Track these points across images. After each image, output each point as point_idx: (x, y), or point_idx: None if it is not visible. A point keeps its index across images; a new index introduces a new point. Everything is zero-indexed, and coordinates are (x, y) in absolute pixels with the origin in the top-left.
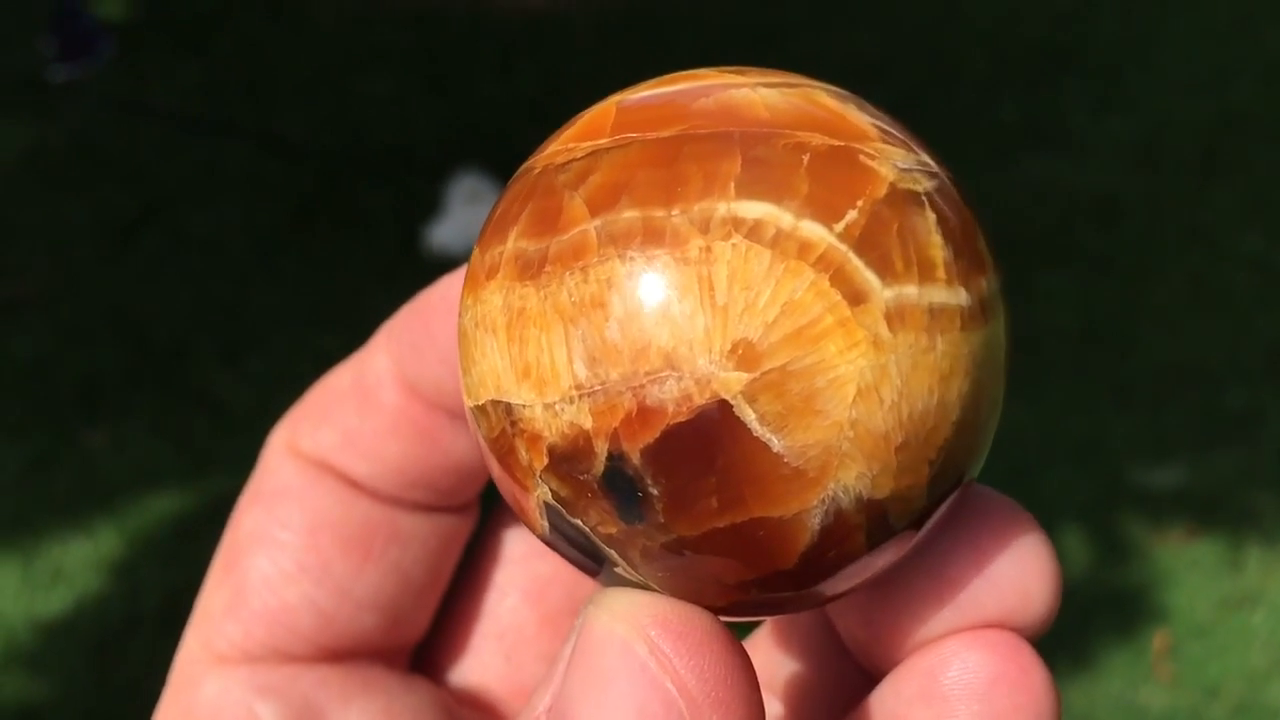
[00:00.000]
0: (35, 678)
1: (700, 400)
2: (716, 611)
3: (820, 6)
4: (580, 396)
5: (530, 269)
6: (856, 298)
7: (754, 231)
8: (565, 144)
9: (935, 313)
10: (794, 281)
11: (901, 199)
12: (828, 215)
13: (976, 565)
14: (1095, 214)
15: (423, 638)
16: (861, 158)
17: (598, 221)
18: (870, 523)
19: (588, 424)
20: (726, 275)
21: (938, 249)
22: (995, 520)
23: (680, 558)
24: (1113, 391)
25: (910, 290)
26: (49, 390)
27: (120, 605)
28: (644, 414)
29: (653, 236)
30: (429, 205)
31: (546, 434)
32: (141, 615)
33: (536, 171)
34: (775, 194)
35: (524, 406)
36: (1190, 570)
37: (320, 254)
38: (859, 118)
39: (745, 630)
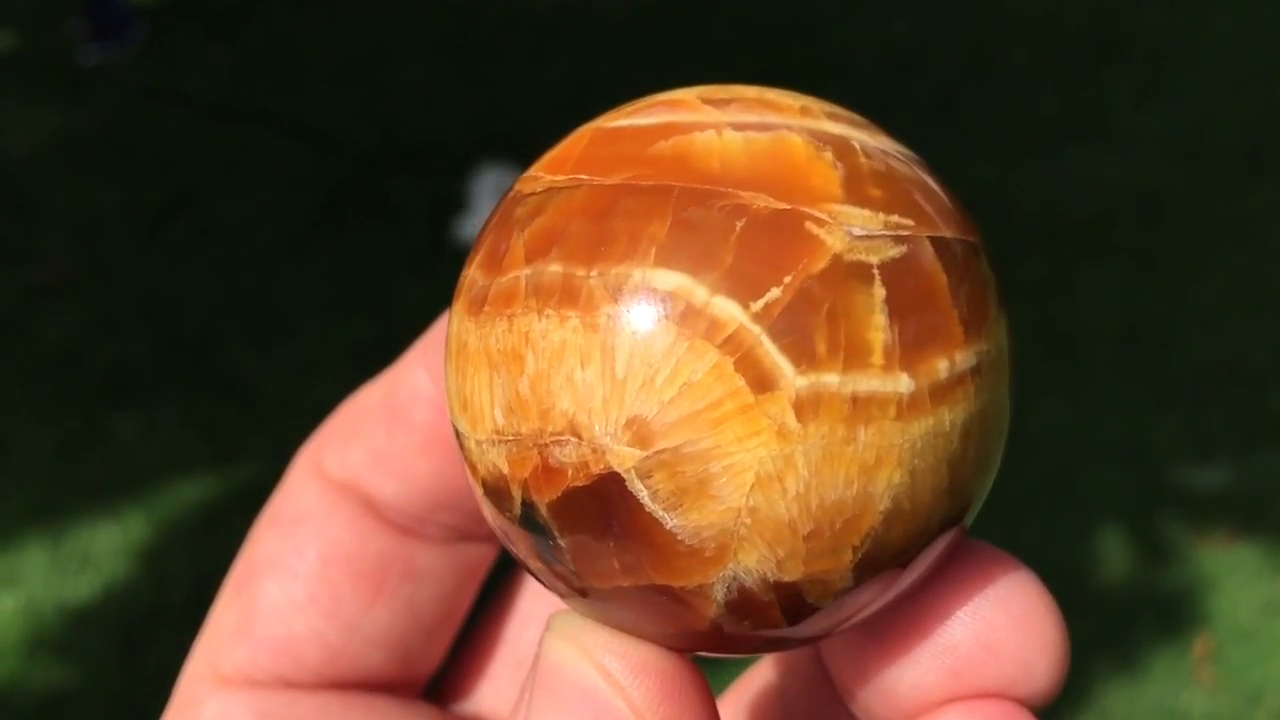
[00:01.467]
0: (63, 664)
1: (596, 469)
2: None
3: (852, 3)
4: (499, 442)
5: (475, 304)
6: (762, 384)
7: (664, 304)
8: (537, 171)
9: (860, 402)
10: (696, 362)
11: (843, 273)
12: (747, 292)
13: (977, 633)
14: (1137, 208)
15: (435, 673)
16: (807, 224)
17: (529, 270)
18: (784, 601)
19: (504, 469)
20: (628, 348)
21: (878, 331)
22: (998, 585)
23: (601, 604)
24: (1155, 390)
25: (830, 379)
26: (79, 376)
27: (148, 592)
28: (548, 472)
29: (569, 296)
30: (458, 197)
31: (479, 467)
32: (169, 603)
33: (510, 197)
34: (693, 265)
35: (465, 436)
36: (1233, 573)
37: (350, 244)
38: (828, 172)
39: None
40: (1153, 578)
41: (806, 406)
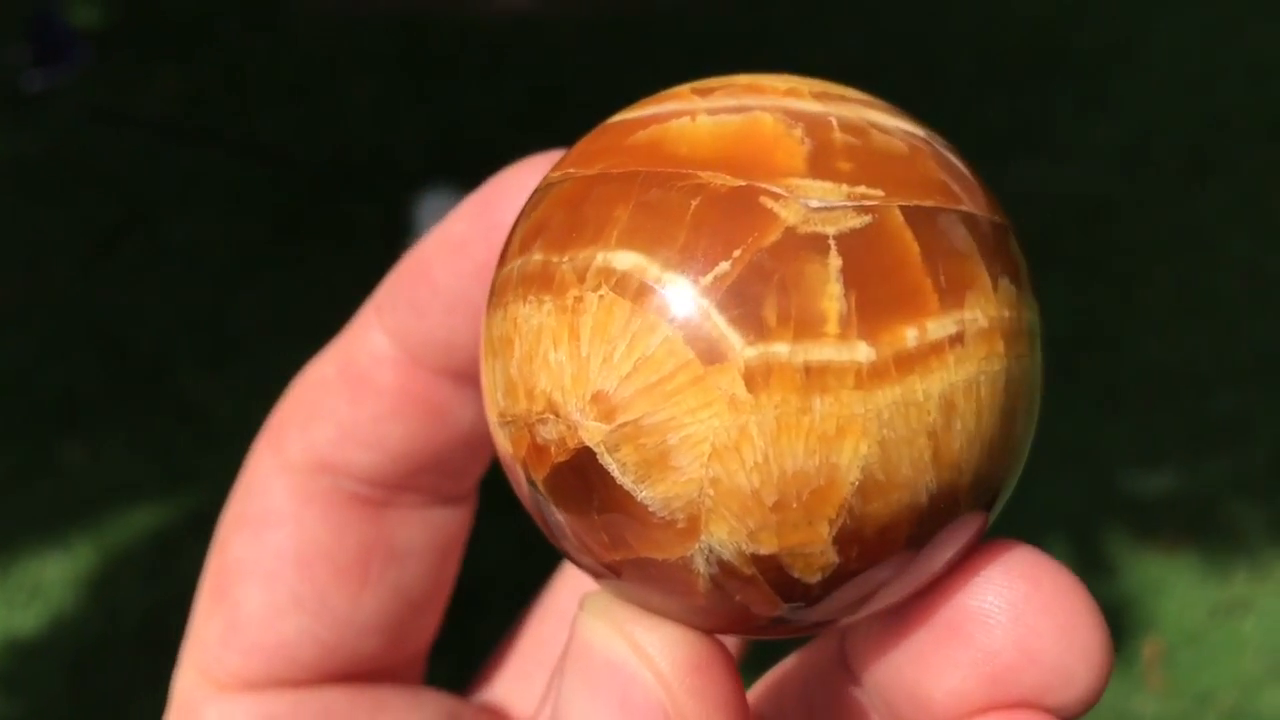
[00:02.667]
0: (10, 698)
1: (572, 444)
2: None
3: (805, 10)
4: (504, 423)
5: (489, 297)
6: (712, 356)
7: (620, 283)
8: (550, 168)
9: (814, 371)
10: (649, 337)
11: (796, 245)
12: (697, 267)
13: (1019, 640)
14: (1083, 217)
15: (431, 644)
16: (762, 199)
17: (519, 260)
18: (769, 575)
19: (509, 449)
20: (590, 327)
21: (832, 300)
22: (1042, 589)
23: (625, 584)
24: (1101, 396)
25: (779, 348)
26: (26, 403)
27: (98, 623)
28: (537, 449)
29: (545, 282)
30: (411, 216)
31: (498, 448)
32: (120, 632)
33: (537, 189)
34: (649, 244)
35: (488, 420)
36: (1180, 577)
37: (303, 264)
38: (794, 149)
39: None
40: (1100, 583)
41: (757, 377)
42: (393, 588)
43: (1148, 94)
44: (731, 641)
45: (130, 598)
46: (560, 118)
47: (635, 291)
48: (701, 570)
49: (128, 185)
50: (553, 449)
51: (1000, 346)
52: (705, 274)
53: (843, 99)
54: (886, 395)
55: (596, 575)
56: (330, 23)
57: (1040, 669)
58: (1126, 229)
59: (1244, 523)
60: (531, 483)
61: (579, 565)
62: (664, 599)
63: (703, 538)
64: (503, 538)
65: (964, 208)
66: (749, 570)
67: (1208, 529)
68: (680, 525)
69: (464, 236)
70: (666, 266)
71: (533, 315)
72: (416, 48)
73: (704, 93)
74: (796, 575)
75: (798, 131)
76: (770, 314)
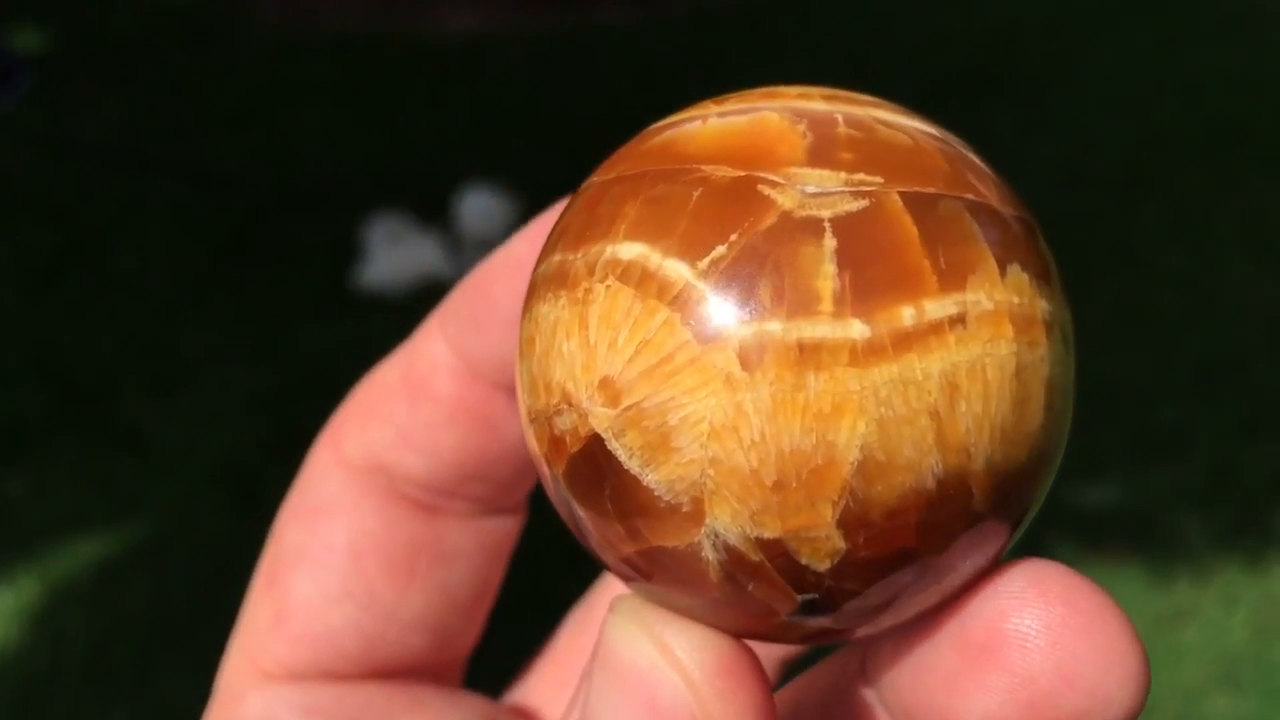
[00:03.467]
0: None
1: (584, 432)
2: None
3: (750, 33)
4: (530, 421)
5: (524, 302)
6: (707, 336)
7: (625, 273)
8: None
9: (808, 348)
10: (649, 320)
11: (792, 228)
12: (694, 253)
13: (1058, 664)
14: None
15: (473, 650)
16: (760, 187)
17: (544, 265)
18: (777, 561)
19: (535, 446)
20: (597, 315)
21: (826, 279)
22: (1079, 610)
23: (636, 581)
24: None
25: (773, 326)
26: None
27: (43, 655)
28: (555, 442)
29: (561, 279)
30: (359, 241)
31: (528, 444)
32: (66, 664)
33: (569, 199)
34: (653, 234)
35: (522, 417)
36: (1125, 588)
37: (249, 290)
38: (796, 142)
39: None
40: None
41: (751, 355)
42: (439, 587)
43: (1085, 113)
44: (766, 661)
45: (75, 630)
46: (509, 139)
47: (638, 279)
48: (711, 558)
49: (70, 212)
50: (568, 439)
51: (1009, 331)
52: (703, 258)
53: (852, 100)
54: (883, 373)
55: (625, 578)
56: (275, 46)
57: (1079, 694)
58: (1066, 246)
59: (1185, 533)
60: (555, 478)
61: (605, 564)
62: (686, 597)
63: (708, 521)
64: (551, 549)
65: (971, 196)
66: (756, 556)
67: (1151, 540)
68: (685, 509)
69: (525, 256)
70: (667, 254)
71: (550, 312)
72: (363, 70)
73: (720, 101)
74: (804, 562)
75: (801, 126)
76: (765, 293)
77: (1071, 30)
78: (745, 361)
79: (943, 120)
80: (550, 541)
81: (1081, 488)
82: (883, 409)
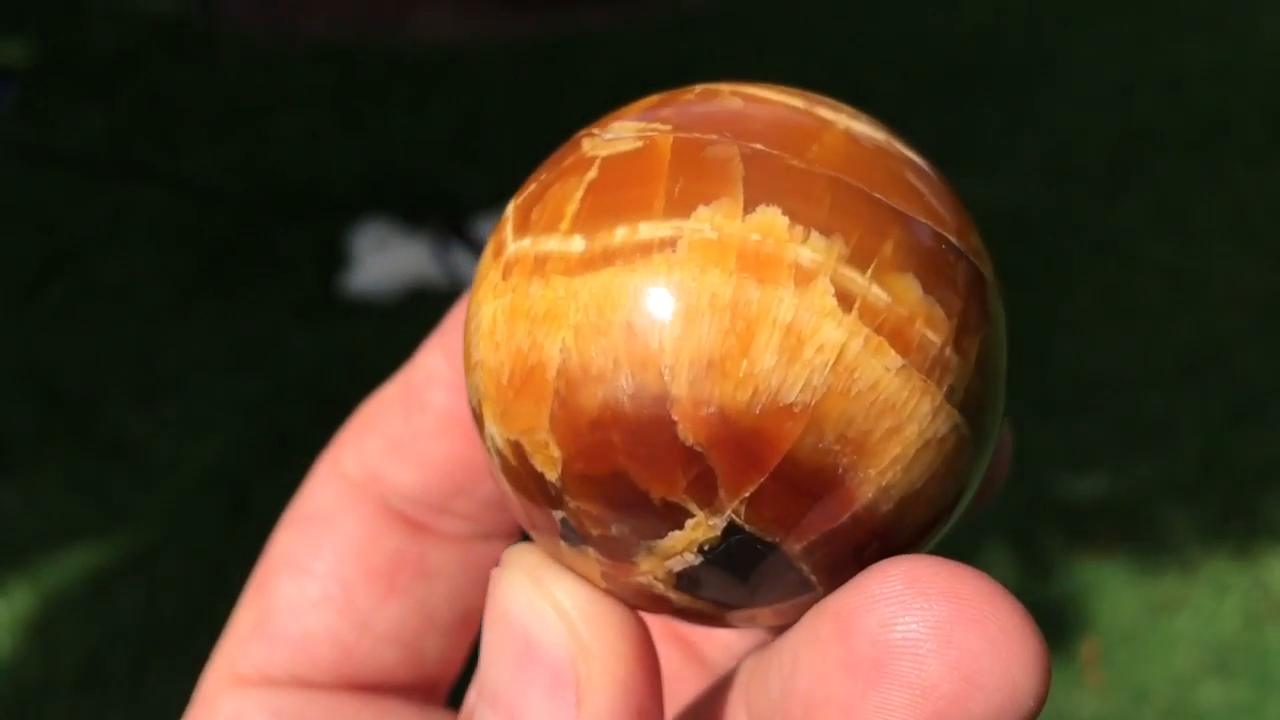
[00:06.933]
0: None
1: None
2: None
3: (731, 34)
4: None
5: None
6: (496, 254)
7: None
8: None
9: (540, 259)
10: (489, 257)
11: (577, 166)
12: (519, 194)
13: (954, 665)
14: (1007, 230)
15: (457, 677)
16: (583, 139)
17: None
18: (524, 466)
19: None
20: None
21: (573, 204)
22: (963, 602)
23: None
24: (1032, 404)
25: (525, 242)
26: None
27: (36, 666)
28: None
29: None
30: (344, 248)
31: None
32: (60, 675)
33: None
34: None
35: None
36: (1114, 578)
37: (236, 298)
38: (634, 108)
39: None
40: (1038, 587)
41: (510, 266)
42: (418, 603)
43: (1067, 108)
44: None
45: (68, 640)
46: (492, 145)
47: (495, 245)
48: (497, 463)
49: (55, 223)
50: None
51: (730, 263)
52: (519, 196)
53: (786, 93)
54: (586, 283)
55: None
56: (258, 55)
57: (985, 691)
58: (1049, 240)
59: (1174, 523)
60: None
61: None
62: (528, 522)
63: (486, 424)
64: None
65: (765, 148)
66: (514, 460)
67: (1139, 529)
68: (478, 412)
69: None
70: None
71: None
72: (346, 78)
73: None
74: (539, 468)
75: (653, 99)
76: (536, 217)
77: (1053, 24)
78: (505, 272)
79: (925, 118)
80: None
81: (1070, 479)
82: (580, 316)
